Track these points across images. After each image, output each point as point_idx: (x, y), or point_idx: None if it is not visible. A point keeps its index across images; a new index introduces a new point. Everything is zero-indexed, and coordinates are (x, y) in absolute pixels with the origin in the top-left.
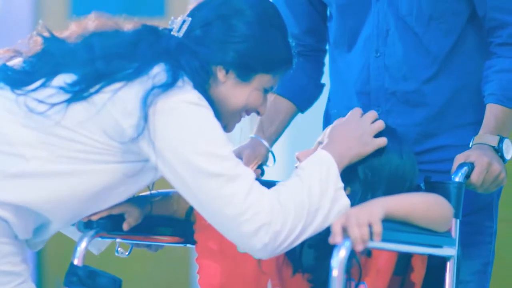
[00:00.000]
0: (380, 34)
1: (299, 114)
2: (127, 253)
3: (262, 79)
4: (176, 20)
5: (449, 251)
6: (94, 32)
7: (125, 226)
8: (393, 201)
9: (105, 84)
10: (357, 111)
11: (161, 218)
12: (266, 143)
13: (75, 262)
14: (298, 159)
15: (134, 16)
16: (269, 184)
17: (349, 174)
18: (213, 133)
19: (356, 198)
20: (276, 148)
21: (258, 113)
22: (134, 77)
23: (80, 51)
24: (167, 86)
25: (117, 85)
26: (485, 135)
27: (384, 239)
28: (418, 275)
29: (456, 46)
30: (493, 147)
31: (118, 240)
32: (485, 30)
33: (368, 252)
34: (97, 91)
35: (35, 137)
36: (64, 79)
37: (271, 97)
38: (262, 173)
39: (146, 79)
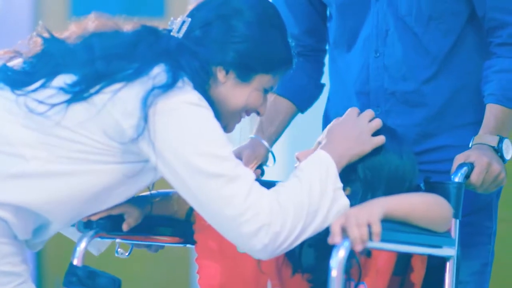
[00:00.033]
0: (380, 34)
1: (299, 114)
2: (127, 254)
3: (262, 80)
4: (176, 21)
5: (449, 251)
6: (94, 32)
7: (125, 227)
8: (393, 201)
9: (105, 84)
10: (354, 110)
11: (161, 218)
12: (266, 143)
13: (75, 262)
14: (298, 159)
15: (133, 17)
16: (269, 184)
17: (349, 174)
18: (213, 133)
19: (357, 198)
20: (276, 148)
21: (258, 114)
22: (134, 77)
23: (80, 51)
24: (167, 86)
25: (117, 85)
26: (485, 135)
27: (383, 239)
28: (417, 275)
29: (455, 46)
30: (493, 147)
31: (117, 240)
32: (485, 30)
33: (367, 252)
34: (97, 92)
35: (35, 138)
36: (64, 79)
37: (271, 97)
38: (262, 173)
39: (146, 80)
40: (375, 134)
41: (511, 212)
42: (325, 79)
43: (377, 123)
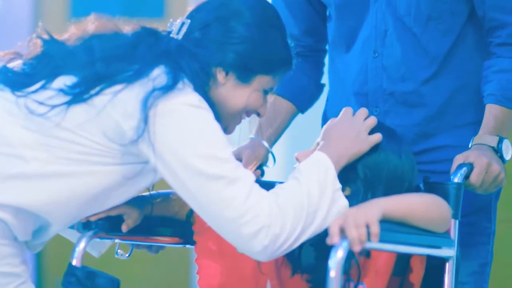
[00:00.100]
0: (378, 35)
1: (299, 115)
2: (127, 255)
3: (262, 80)
4: (175, 23)
5: (448, 251)
6: (94, 34)
7: (124, 228)
8: (391, 202)
9: (105, 86)
10: (348, 110)
11: (160, 218)
12: (266, 144)
13: (74, 262)
14: (297, 159)
15: (133, 18)
16: (269, 185)
17: (348, 174)
18: (213, 135)
19: (357, 197)
20: (276, 148)
21: (258, 115)
22: (135, 79)
23: (80, 53)
24: (168, 88)
25: (117, 87)
26: (485, 136)
27: (382, 240)
28: (417, 275)
29: (455, 46)
30: (493, 147)
31: (117, 240)
32: (485, 30)
33: (366, 253)
34: (97, 93)
35: (35, 139)
36: (64, 81)
37: (270, 98)
38: (262, 173)
39: (147, 81)
40: (371, 132)
41: (511, 212)
42: (325, 79)
43: (373, 121)
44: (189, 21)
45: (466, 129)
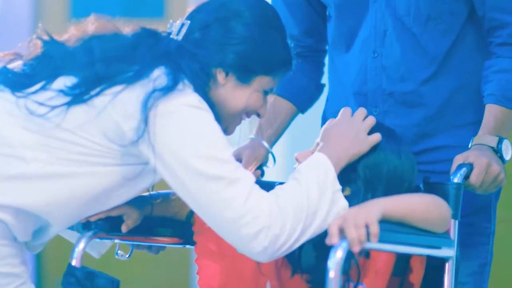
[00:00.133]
0: (378, 35)
1: (299, 115)
2: (127, 256)
3: (262, 81)
4: (175, 23)
5: (448, 252)
6: (94, 35)
7: (124, 228)
8: (391, 202)
9: (106, 87)
10: (347, 110)
11: (160, 219)
12: (266, 144)
13: (73, 263)
14: (297, 160)
15: (133, 18)
16: (269, 185)
17: (349, 174)
18: (214, 136)
19: (358, 197)
20: (276, 148)
21: (258, 115)
22: (135, 80)
23: (80, 54)
24: (168, 89)
25: (117, 88)
26: (484, 136)
27: (381, 240)
28: (416, 276)
29: (454, 46)
30: (492, 147)
31: (116, 241)
32: (485, 30)
33: (366, 253)
34: (97, 94)
35: (35, 140)
36: (64, 82)
37: (270, 98)
38: (262, 174)
39: (147, 82)
40: (370, 132)
41: (511, 213)
42: (326, 79)
43: (371, 121)
44: (189, 22)
45: (466, 129)
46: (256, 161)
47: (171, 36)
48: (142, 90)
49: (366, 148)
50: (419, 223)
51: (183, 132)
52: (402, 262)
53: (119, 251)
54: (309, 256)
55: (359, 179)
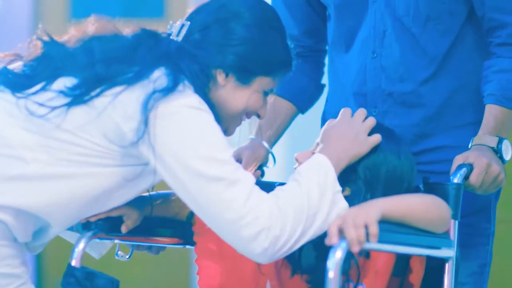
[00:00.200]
0: (377, 35)
1: (299, 115)
2: (127, 257)
3: (261, 82)
4: (175, 24)
5: (447, 252)
6: (94, 36)
7: (123, 229)
8: (390, 202)
9: (106, 87)
10: (347, 111)
11: (160, 219)
12: (266, 144)
13: (73, 263)
14: (297, 160)
15: (133, 18)
16: (269, 186)
17: (349, 174)
18: (214, 137)
19: (358, 197)
20: (276, 149)
21: (258, 116)
22: (135, 81)
23: (80, 55)
24: (168, 90)
25: (117, 88)
26: (484, 136)
27: (381, 241)
28: (416, 276)
29: (454, 46)
30: (492, 148)
31: (116, 241)
32: (484, 30)
33: (366, 254)
34: (97, 95)
35: (35, 140)
36: (64, 82)
37: (270, 98)
38: (262, 174)
39: (147, 83)
40: (370, 133)
41: (510, 213)
42: (326, 79)
43: (371, 121)
44: (189, 23)
45: (465, 130)
46: (256, 162)
47: (171, 37)
48: (142, 91)
49: (366, 149)
50: (419, 223)
51: (183, 133)
52: (402, 263)
53: (119, 252)
54: (309, 256)
55: (359, 180)
